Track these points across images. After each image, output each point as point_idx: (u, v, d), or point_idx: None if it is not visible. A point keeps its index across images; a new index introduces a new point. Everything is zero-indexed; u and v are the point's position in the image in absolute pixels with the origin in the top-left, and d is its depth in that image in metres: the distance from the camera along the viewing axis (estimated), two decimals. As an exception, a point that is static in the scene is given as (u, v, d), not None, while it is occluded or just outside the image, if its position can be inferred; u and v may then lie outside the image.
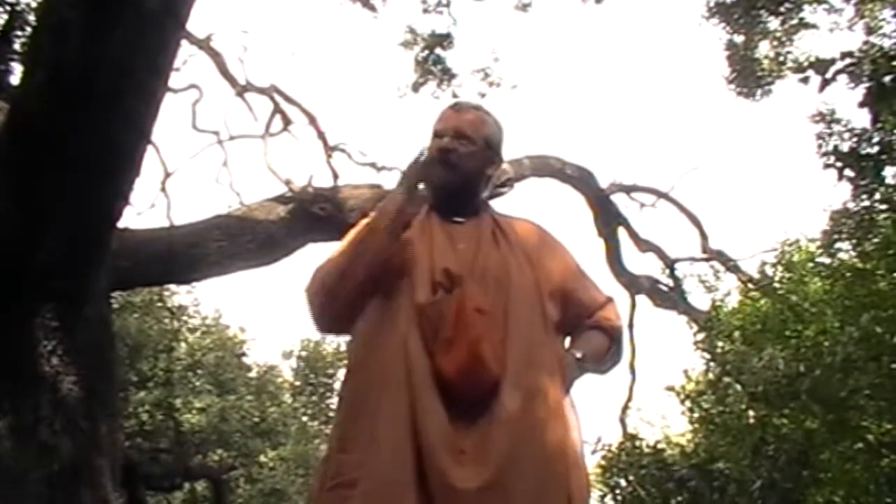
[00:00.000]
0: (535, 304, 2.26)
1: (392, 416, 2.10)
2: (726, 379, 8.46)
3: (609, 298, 2.44)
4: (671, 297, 8.79)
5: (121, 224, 4.31)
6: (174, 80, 7.04)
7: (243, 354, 17.42)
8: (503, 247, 2.32)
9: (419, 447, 2.07)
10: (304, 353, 19.65)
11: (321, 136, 7.62)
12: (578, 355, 2.30)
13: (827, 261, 8.70)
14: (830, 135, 9.48)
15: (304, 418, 18.24)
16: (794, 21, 10.23)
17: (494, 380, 2.13)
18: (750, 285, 9.05)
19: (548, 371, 2.21)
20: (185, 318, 16.00)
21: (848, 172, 8.16)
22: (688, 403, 9.21)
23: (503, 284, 2.24)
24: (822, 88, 4.32)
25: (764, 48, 10.51)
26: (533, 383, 2.16)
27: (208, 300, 25.79)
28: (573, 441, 2.20)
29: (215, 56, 7.75)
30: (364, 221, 2.34)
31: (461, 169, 2.35)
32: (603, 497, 9.13)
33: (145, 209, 7.59)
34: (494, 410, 2.11)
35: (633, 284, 8.59)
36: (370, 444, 2.10)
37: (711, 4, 10.26)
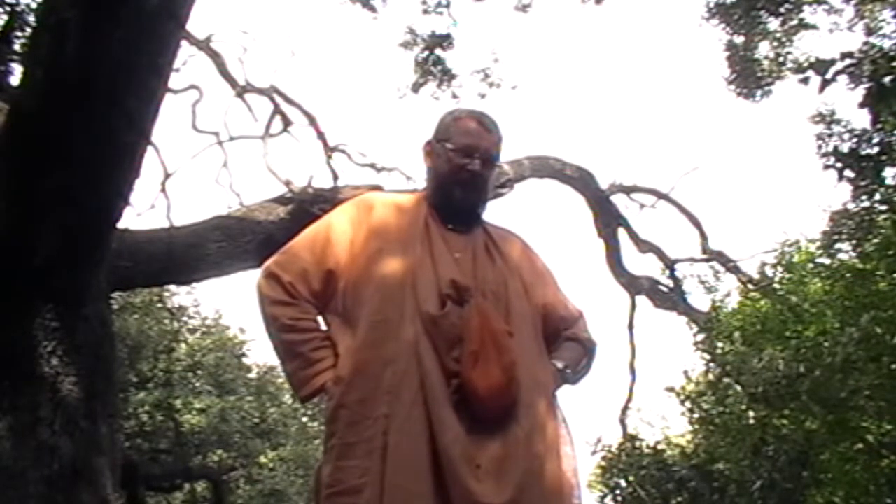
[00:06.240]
0: (530, 323, 2.32)
1: (406, 425, 2.09)
2: (726, 380, 8.47)
3: (581, 313, 2.51)
4: (671, 298, 8.78)
5: (121, 224, 4.29)
6: (174, 81, 7.04)
7: (243, 355, 17.40)
8: (498, 262, 2.35)
9: (436, 459, 2.07)
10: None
11: (321, 136, 7.62)
12: (560, 366, 2.34)
13: (827, 261, 8.71)
14: (830, 135, 9.50)
15: (304, 419, 18.19)
16: (794, 22, 10.24)
17: (516, 401, 2.17)
18: (750, 286, 9.05)
19: (546, 393, 2.26)
20: (185, 318, 16.01)
21: (848, 173, 8.17)
22: (688, 404, 9.22)
23: (501, 300, 2.27)
24: (822, 89, 4.32)
25: (764, 49, 10.52)
26: (538, 407, 2.21)
27: (208, 301, 25.82)
28: (568, 468, 2.25)
29: (215, 57, 7.74)
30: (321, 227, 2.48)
31: (485, 193, 2.41)
32: (603, 497, 9.14)
33: (145, 210, 7.52)
34: (512, 429, 2.14)
35: (633, 285, 8.59)
36: (374, 452, 2.07)
37: (711, 5, 10.26)
